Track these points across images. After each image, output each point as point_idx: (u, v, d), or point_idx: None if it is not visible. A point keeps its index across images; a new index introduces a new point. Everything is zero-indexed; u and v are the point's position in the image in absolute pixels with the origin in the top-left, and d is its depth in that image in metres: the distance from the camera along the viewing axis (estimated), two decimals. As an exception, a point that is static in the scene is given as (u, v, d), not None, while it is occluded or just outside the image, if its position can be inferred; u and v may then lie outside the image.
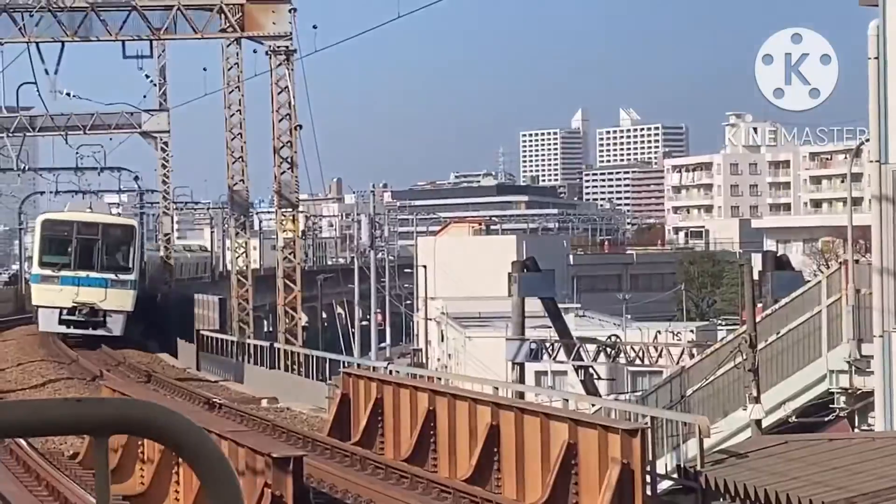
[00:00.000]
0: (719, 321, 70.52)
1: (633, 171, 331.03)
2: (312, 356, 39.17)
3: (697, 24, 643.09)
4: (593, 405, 27.67)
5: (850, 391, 26.63)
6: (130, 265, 50.08)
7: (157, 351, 52.29)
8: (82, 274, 49.23)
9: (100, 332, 49.25)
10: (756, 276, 32.55)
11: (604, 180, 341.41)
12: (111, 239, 50.04)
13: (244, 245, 52.23)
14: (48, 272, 49.65)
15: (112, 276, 49.34)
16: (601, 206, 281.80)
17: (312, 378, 37.72)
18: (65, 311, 49.14)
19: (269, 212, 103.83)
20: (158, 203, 74.01)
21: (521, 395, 27.81)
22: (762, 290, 33.11)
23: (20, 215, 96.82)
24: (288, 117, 44.78)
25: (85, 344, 49.33)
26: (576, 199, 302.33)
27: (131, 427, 2.35)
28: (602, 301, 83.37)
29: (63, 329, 49.79)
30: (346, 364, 34.22)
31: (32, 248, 56.90)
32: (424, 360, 67.99)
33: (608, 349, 40.73)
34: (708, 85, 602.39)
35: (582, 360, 40.83)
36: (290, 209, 45.93)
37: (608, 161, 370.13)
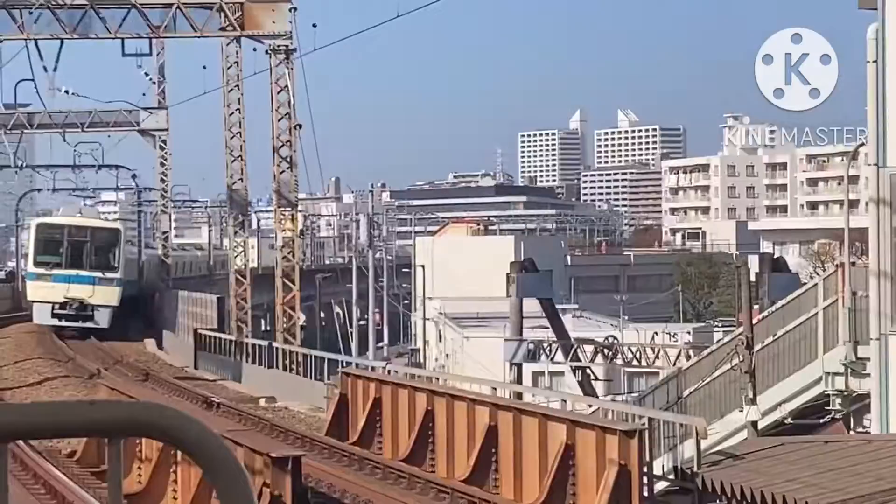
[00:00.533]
0: (716, 323, 70.58)
1: (631, 173, 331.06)
2: (310, 355, 39.20)
3: (695, 25, 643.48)
4: (590, 406, 27.72)
5: (845, 393, 26.68)
6: (116, 264, 55.03)
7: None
8: (73, 272, 54.35)
9: (88, 324, 54.13)
10: (752, 278, 32.59)
11: (601, 181, 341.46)
12: (99, 241, 55.08)
13: (243, 244, 52.30)
14: (42, 270, 54.75)
15: (99, 274, 54.38)
16: (599, 206, 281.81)
17: (310, 378, 37.73)
18: (57, 306, 54.10)
19: (267, 211, 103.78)
20: (156, 201, 74.04)
21: (519, 396, 27.85)
22: (759, 292, 33.15)
23: (17, 212, 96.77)
24: (287, 116, 44.78)
25: (76, 335, 53.21)
26: (574, 199, 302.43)
27: (145, 429, 2.39)
28: (599, 302, 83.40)
29: (55, 322, 54.45)
30: (343, 364, 34.25)
31: (28, 247, 59.99)
32: (422, 361, 68.02)
33: (605, 350, 40.78)
34: (706, 86, 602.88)
35: (579, 360, 40.86)
36: (289, 208, 45.93)
37: (606, 162, 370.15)
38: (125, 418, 2.41)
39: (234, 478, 2.30)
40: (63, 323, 54.39)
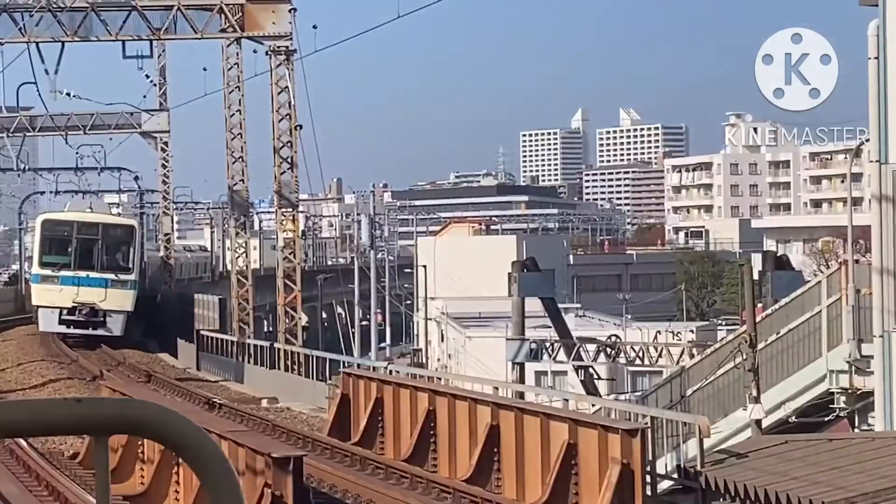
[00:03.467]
0: (719, 321, 70.52)
1: (633, 171, 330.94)
2: (312, 356, 39.17)
3: (697, 24, 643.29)
4: (593, 405, 27.66)
5: (849, 391, 26.61)
6: (130, 265, 50.05)
7: (157, 351, 52.30)
8: (82, 274, 49.19)
9: (100, 332, 49.13)
10: (756, 276, 32.53)
11: (604, 180, 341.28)
12: (111, 239, 49.99)
13: (244, 245, 52.23)
14: (48, 272, 49.59)
15: (112, 276, 49.29)
16: (601, 206, 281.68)
17: (312, 378, 37.71)
18: (65, 312, 49.01)
19: (269, 212, 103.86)
20: (158, 203, 74.05)
21: (522, 395, 27.80)
22: (762, 290, 33.09)
23: (20, 215, 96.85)
24: (288, 117, 44.76)
25: (85, 344, 49.33)
26: (576, 199, 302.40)
27: (131, 427, 2.35)
28: (602, 301, 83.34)
29: (63, 329, 49.65)
30: (346, 364, 34.22)
31: (32, 248, 57.18)
32: (424, 361, 67.99)
33: (608, 349, 40.72)
34: (708, 85, 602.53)
35: (582, 360, 40.81)
36: (290, 209, 45.93)
37: (608, 161, 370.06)
38: (110, 416, 2.36)
39: (221, 472, 2.26)
40: (72, 330, 49.42)
